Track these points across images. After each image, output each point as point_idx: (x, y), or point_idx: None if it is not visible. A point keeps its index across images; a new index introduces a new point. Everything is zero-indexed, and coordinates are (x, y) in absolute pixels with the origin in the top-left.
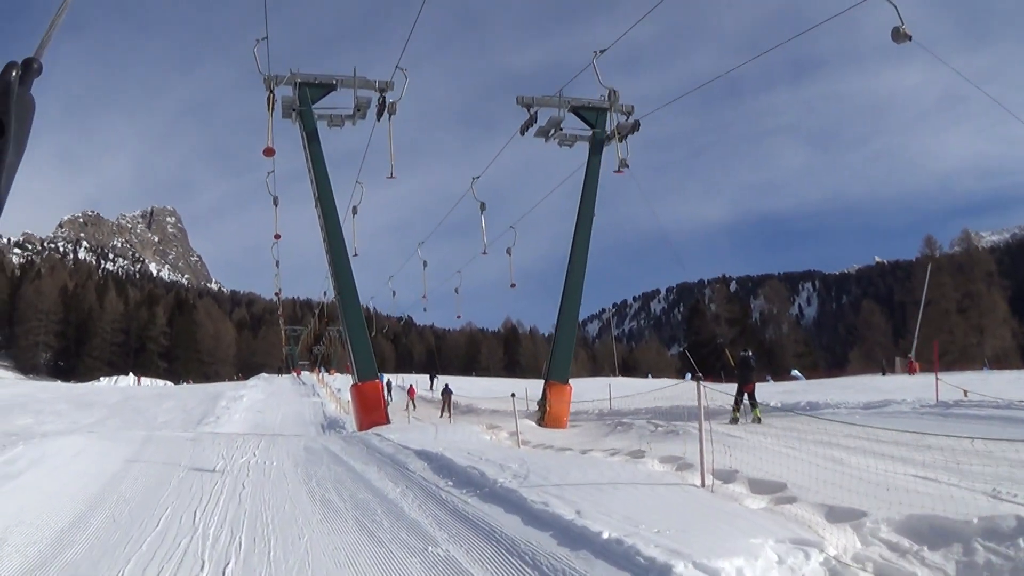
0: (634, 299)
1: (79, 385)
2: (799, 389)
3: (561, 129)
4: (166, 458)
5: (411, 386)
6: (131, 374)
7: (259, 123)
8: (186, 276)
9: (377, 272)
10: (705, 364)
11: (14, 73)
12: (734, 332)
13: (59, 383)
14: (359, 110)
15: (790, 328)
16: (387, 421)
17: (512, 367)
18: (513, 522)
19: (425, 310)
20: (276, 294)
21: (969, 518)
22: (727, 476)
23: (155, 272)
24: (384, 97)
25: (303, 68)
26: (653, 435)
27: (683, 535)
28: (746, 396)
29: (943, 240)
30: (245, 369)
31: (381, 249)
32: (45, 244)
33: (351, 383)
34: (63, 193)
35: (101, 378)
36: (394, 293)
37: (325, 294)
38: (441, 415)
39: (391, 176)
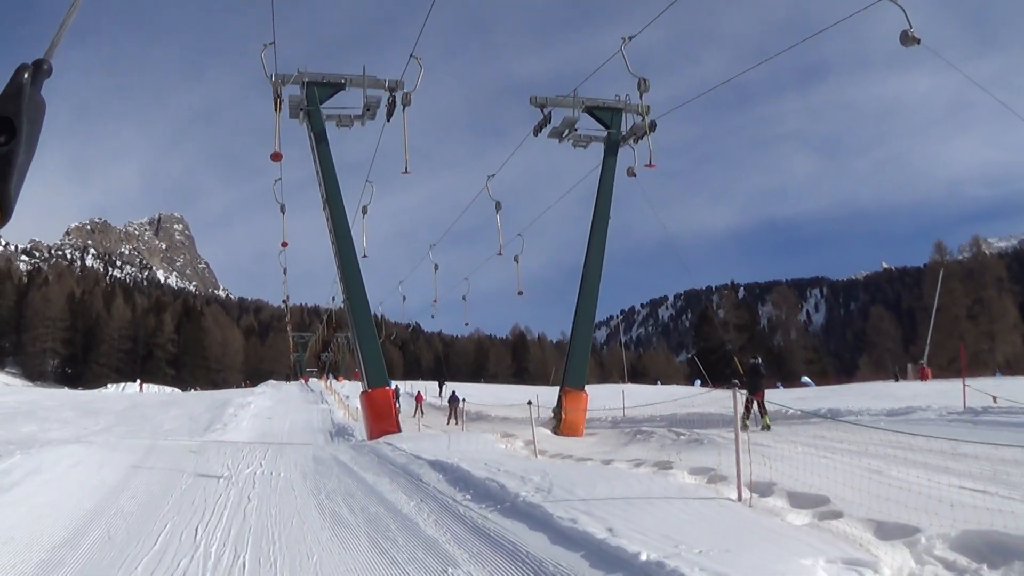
0: (642, 306)
1: (85, 392)
2: (812, 396)
3: (576, 130)
4: (168, 468)
5: (419, 393)
6: (137, 380)
7: (267, 130)
8: (194, 283)
9: (385, 279)
10: (714, 371)
11: (26, 75)
12: (743, 338)
13: (66, 390)
14: (368, 110)
15: (799, 334)
16: (398, 429)
17: (521, 374)
18: (539, 541)
19: (433, 317)
20: (284, 301)
21: None
22: (764, 489)
23: (163, 279)
24: (394, 96)
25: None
26: (676, 444)
27: (728, 556)
28: (755, 404)
29: (951, 246)
30: (253, 376)
31: (388, 256)
32: (52, 251)
33: (361, 390)
34: (70, 200)
35: (109, 385)
36: (404, 298)
37: (333, 299)
38: (448, 423)
39: (406, 171)
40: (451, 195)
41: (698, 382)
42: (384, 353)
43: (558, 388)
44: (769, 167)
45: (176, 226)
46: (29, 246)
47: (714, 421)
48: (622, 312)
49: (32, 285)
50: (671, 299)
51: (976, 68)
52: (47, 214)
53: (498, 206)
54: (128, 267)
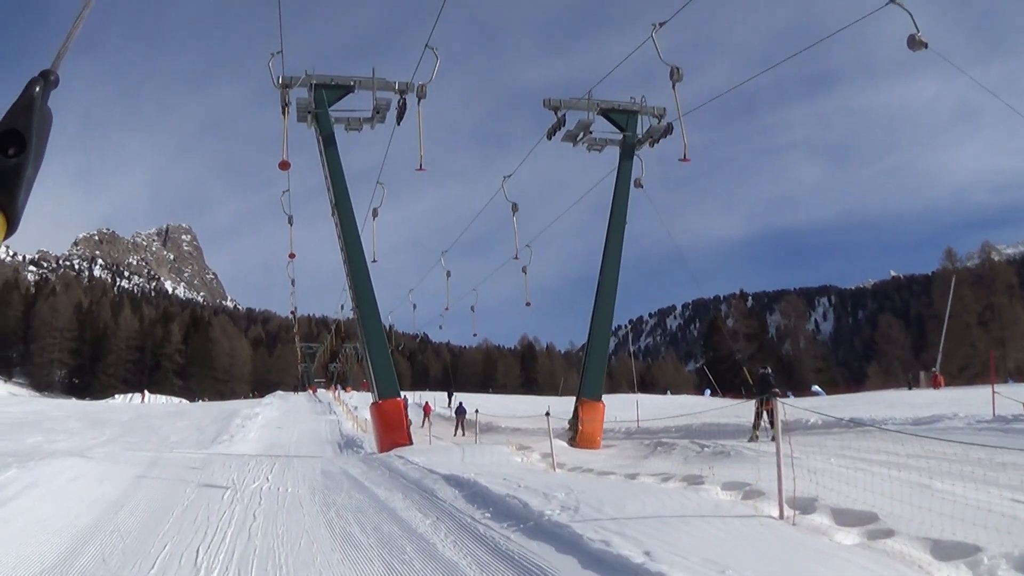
0: (650, 315)
1: (93, 402)
2: (825, 405)
3: (591, 132)
4: (171, 482)
5: (427, 403)
6: (145, 391)
7: (275, 140)
8: (202, 294)
9: (393, 289)
10: (724, 380)
11: (37, 88)
12: (752, 348)
13: (73, 400)
14: (378, 112)
15: (808, 343)
16: (409, 442)
17: (529, 384)
18: (569, 565)
19: (441, 328)
20: (292, 312)
21: None
22: (806, 505)
23: (170, 290)
24: (404, 99)
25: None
26: (700, 457)
27: None
28: (765, 414)
29: (960, 254)
30: (260, 387)
31: (396, 265)
32: (60, 262)
33: (371, 401)
34: (78, 211)
35: (116, 395)
36: (415, 306)
37: (342, 307)
38: (455, 433)
39: (420, 168)
40: (459, 204)
41: (708, 392)
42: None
43: (573, 398)
44: (776, 175)
45: (184, 237)
46: (37, 256)
47: (730, 432)
48: (630, 322)
49: (40, 295)
50: (679, 308)
51: (983, 74)
52: (55, 224)
53: (514, 208)
54: (136, 278)
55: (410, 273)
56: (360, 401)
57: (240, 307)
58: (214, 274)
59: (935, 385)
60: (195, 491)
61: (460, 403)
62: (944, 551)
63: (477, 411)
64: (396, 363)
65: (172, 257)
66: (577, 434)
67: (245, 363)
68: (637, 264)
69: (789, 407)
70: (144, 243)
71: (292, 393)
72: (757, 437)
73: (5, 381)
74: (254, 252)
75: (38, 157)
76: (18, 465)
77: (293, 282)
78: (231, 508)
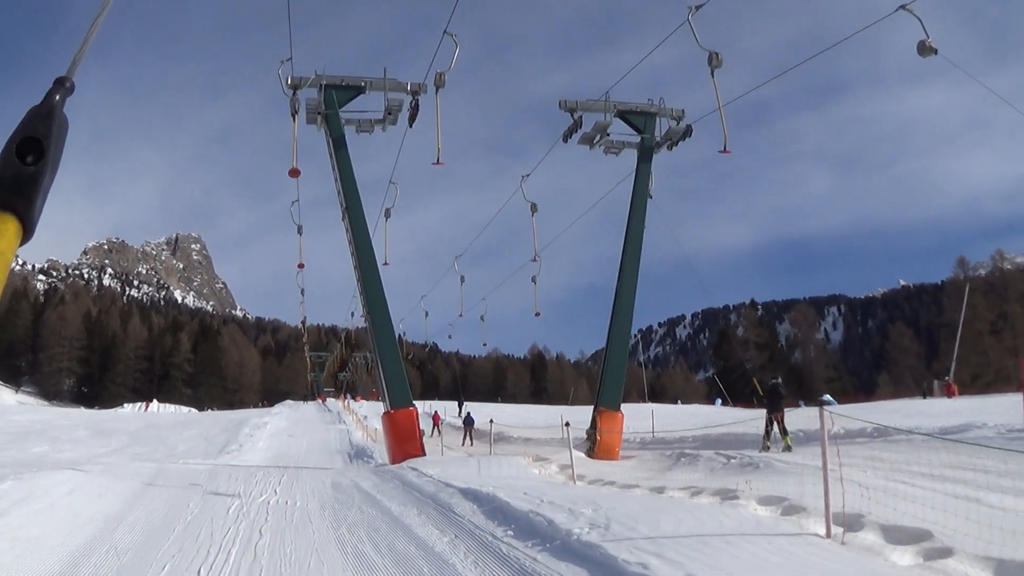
0: (659, 325)
1: (100, 412)
2: (845, 414)
3: (608, 135)
4: (174, 496)
5: (436, 413)
6: (153, 400)
7: (284, 150)
8: (211, 303)
9: (402, 298)
10: (734, 390)
11: (57, 97)
12: (763, 357)
13: (82, 409)
14: (390, 114)
15: (818, 352)
16: (423, 453)
17: (539, 394)
18: None
19: (450, 337)
20: (301, 322)
21: None
22: (852, 521)
23: (180, 299)
24: (416, 100)
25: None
26: (727, 469)
27: None
28: (776, 424)
29: (971, 262)
30: (270, 396)
31: (406, 274)
32: (70, 271)
33: (382, 411)
34: (88, 220)
35: (125, 404)
36: (427, 314)
37: (353, 315)
38: (463, 443)
39: (438, 162)
40: (469, 214)
41: (719, 401)
42: None
43: (583, 408)
44: (786, 184)
45: (193, 246)
46: (46, 265)
47: (749, 442)
48: (640, 331)
49: (48, 304)
50: (689, 318)
51: (993, 83)
52: (65, 233)
53: (533, 208)
54: (145, 287)
55: (420, 282)
56: (370, 410)
57: (249, 316)
58: (223, 283)
59: (949, 394)
60: (199, 505)
61: (468, 413)
62: (1010, 571)
63: (492, 421)
64: (406, 373)
65: (181, 266)
66: (595, 445)
67: (254, 372)
68: (646, 273)
69: (838, 416)
70: (153, 252)
71: (301, 402)
72: (768, 447)
73: (14, 390)
74: (263, 261)
75: (55, 165)
76: (13, 477)
77: (303, 292)
78: (236, 524)
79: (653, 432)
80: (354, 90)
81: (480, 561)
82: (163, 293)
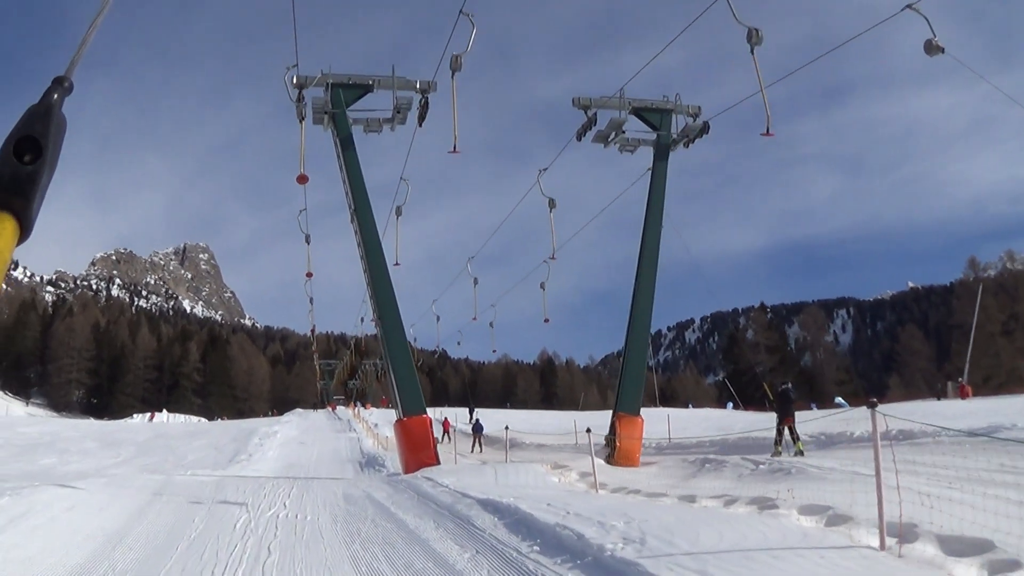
0: (668, 329)
1: (109, 423)
2: (854, 417)
3: (623, 132)
4: (179, 510)
5: (446, 419)
6: (162, 410)
7: (292, 158)
8: (220, 312)
9: (410, 305)
10: (745, 393)
11: (55, 96)
12: (774, 360)
13: (91, 420)
14: (399, 112)
15: (829, 355)
16: (437, 461)
17: (549, 399)
18: None
19: (459, 344)
20: (311, 331)
21: None
22: (905, 532)
23: (188, 309)
24: (426, 98)
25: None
26: (756, 475)
27: None
28: (787, 429)
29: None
30: (279, 405)
31: (413, 283)
32: (78, 282)
33: (395, 418)
34: (96, 231)
35: (134, 415)
36: (438, 318)
37: (362, 320)
38: (472, 450)
39: (454, 150)
40: (475, 219)
41: (730, 405)
42: None
43: (594, 413)
44: (793, 187)
45: (201, 255)
46: (55, 277)
47: (768, 446)
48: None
49: (57, 316)
50: (697, 322)
51: (998, 83)
52: (73, 245)
53: (551, 204)
54: (154, 297)
55: (427, 288)
56: (380, 418)
57: (258, 325)
58: (232, 293)
59: (962, 395)
60: (204, 520)
61: (477, 420)
62: None
63: (507, 428)
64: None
65: (190, 276)
66: (615, 451)
67: (264, 381)
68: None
69: (890, 418)
70: (162, 262)
71: (311, 411)
72: (780, 453)
73: (24, 402)
74: (272, 270)
75: (53, 164)
76: (11, 493)
77: (311, 300)
78: (243, 541)
79: (669, 437)
80: (362, 89)
81: None
82: (172, 303)
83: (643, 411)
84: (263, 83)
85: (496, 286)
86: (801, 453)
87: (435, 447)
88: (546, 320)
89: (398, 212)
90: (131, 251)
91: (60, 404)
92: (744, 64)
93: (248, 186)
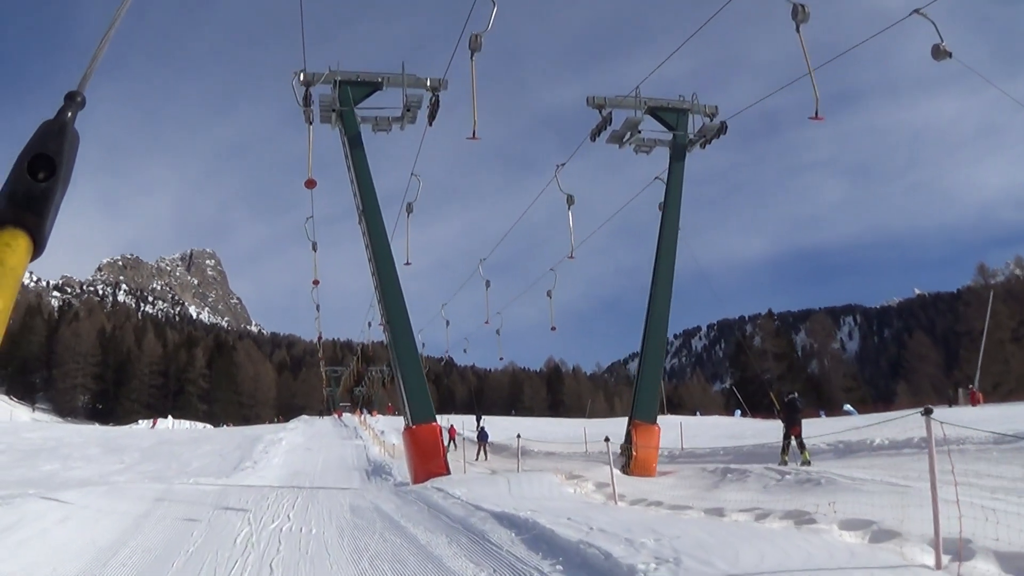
0: (675, 336)
1: (113, 428)
2: (872, 424)
3: (639, 132)
4: (177, 523)
5: (452, 427)
6: (158, 417)
7: (299, 164)
8: (226, 319)
9: (416, 312)
10: (753, 401)
11: (69, 113)
12: (781, 367)
13: (96, 426)
14: (409, 110)
15: (837, 362)
16: (447, 471)
17: (556, 406)
18: None
19: (466, 351)
20: (317, 339)
21: None
22: (956, 549)
23: (195, 315)
24: (437, 96)
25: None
26: (783, 485)
27: None
28: (793, 439)
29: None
30: (285, 411)
31: (419, 290)
32: (84, 287)
33: (402, 426)
34: (102, 236)
35: (140, 421)
36: (448, 323)
37: (369, 325)
38: (476, 458)
39: (473, 137)
40: (481, 226)
41: (738, 412)
42: None
43: (601, 420)
44: (800, 195)
45: (208, 262)
46: (61, 282)
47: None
48: None
49: (63, 321)
50: (704, 329)
51: (1006, 89)
52: (79, 250)
53: (570, 200)
54: (160, 303)
55: (433, 295)
56: (387, 425)
57: (265, 331)
58: (238, 299)
59: (973, 402)
60: (204, 533)
61: (482, 428)
62: None
63: (519, 436)
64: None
65: (196, 282)
66: (631, 460)
67: (270, 388)
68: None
69: (948, 425)
70: (168, 268)
71: (317, 417)
72: (786, 462)
73: (30, 407)
74: (278, 277)
75: (66, 181)
76: (1, 503)
77: (318, 307)
78: (244, 557)
79: (682, 446)
80: (370, 86)
81: None
82: (178, 309)
83: None
84: (270, 89)
85: (503, 294)
86: (808, 463)
87: (445, 456)
88: (553, 328)
89: (409, 209)
90: (137, 257)
91: (65, 409)
92: (748, 71)
93: (255, 192)
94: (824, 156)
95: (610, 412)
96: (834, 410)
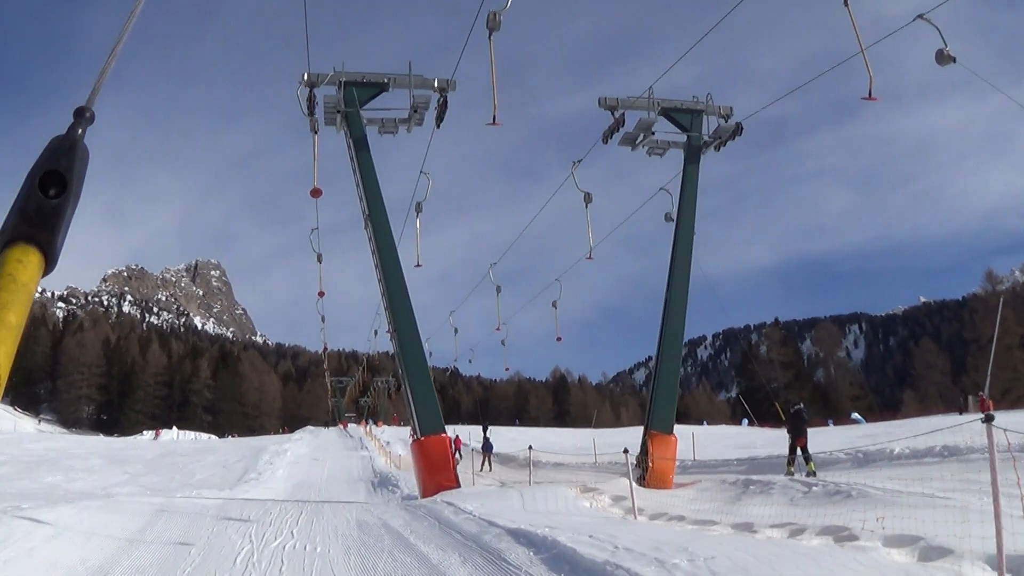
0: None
1: (117, 439)
2: (879, 432)
3: (653, 133)
4: (174, 540)
5: (457, 436)
6: (174, 427)
7: (304, 175)
8: (231, 329)
9: (421, 322)
10: (759, 410)
11: (80, 130)
12: (789, 376)
13: (100, 437)
14: (416, 112)
15: (843, 370)
16: (457, 484)
17: (561, 417)
18: None
19: (471, 361)
20: (323, 350)
21: None
22: (1018, 566)
23: (200, 325)
24: (445, 97)
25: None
26: (810, 497)
27: None
28: (799, 449)
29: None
30: (290, 422)
31: (422, 300)
32: (89, 298)
33: (409, 436)
34: (108, 247)
35: (144, 432)
36: (456, 330)
37: (376, 333)
38: (481, 469)
39: (493, 122)
40: (487, 239)
41: (745, 421)
42: None
43: (608, 431)
44: (804, 203)
45: (213, 272)
46: (66, 292)
47: (800, 465)
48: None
49: (67, 331)
50: (709, 338)
51: (1011, 95)
52: (84, 261)
53: (588, 198)
54: (165, 313)
55: (439, 307)
56: (392, 436)
57: (270, 342)
58: (243, 309)
59: (983, 409)
60: (202, 552)
61: (487, 438)
62: None
63: (531, 447)
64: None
65: (201, 293)
66: (647, 472)
67: (275, 398)
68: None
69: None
70: (173, 279)
71: (322, 428)
72: (792, 473)
73: (35, 418)
74: (284, 287)
75: (76, 197)
76: None
77: (323, 319)
78: None
79: (694, 456)
80: (376, 87)
81: None
82: (183, 320)
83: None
84: (276, 99)
85: (508, 304)
86: (813, 473)
87: (455, 468)
88: (558, 339)
89: (418, 209)
90: (143, 267)
91: (70, 420)
92: (751, 78)
93: (260, 202)
94: (829, 164)
95: (616, 422)
96: (841, 419)
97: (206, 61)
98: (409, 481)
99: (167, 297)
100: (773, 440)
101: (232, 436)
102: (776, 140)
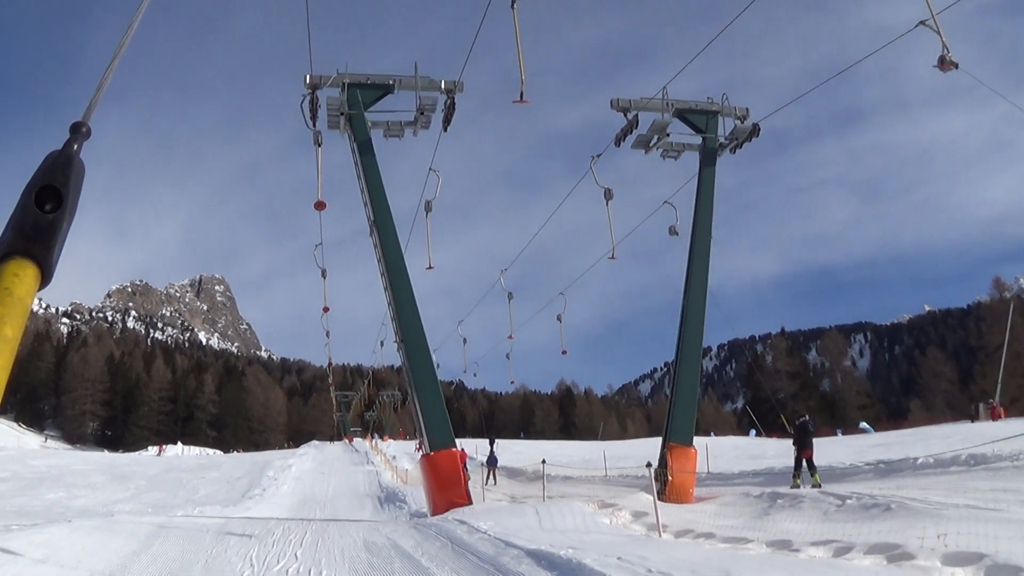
0: None
1: (121, 455)
2: (892, 442)
3: (667, 135)
4: (170, 564)
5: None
6: (179, 442)
7: (308, 189)
8: (236, 344)
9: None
10: (766, 420)
11: (76, 146)
12: (795, 386)
13: (105, 452)
14: (422, 114)
15: (850, 380)
16: (468, 500)
17: (567, 429)
18: None
19: (475, 375)
20: (327, 365)
21: None
22: None
23: (204, 340)
24: (452, 99)
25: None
26: (844, 511)
27: None
28: (805, 461)
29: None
30: (295, 437)
31: (427, 313)
32: (93, 314)
33: (415, 450)
34: (112, 263)
35: (149, 447)
36: (464, 340)
37: (382, 344)
38: (486, 483)
39: (521, 100)
40: (489, 249)
41: (753, 432)
42: None
43: (615, 443)
44: (808, 213)
45: (217, 287)
46: (70, 308)
47: (822, 476)
48: (666, 364)
49: (71, 347)
50: (714, 349)
51: (1012, 108)
52: (88, 276)
53: (608, 194)
54: (169, 329)
55: (444, 320)
56: (398, 450)
57: (275, 357)
58: (248, 324)
59: (993, 417)
60: None
61: (491, 452)
62: None
63: (544, 461)
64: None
65: (205, 308)
66: (666, 485)
67: (280, 413)
68: (670, 307)
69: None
70: (177, 294)
71: (328, 443)
72: (798, 485)
73: (41, 434)
74: (288, 302)
75: (72, 212)
76: None
77: (328, 334)
78: None
79: (708, 469)
80: (381, 89)
81: None
82: (187, 335)
83: (659, 440)
84: (279, 112)
85: (515, 316)
86: (818, 485)
87: (466, 484)
88: (563, 352)
89: (427, 208)
90: (147, 283)
91: (74, 436)
92: (754, 92)
93: (264, 217)
94: (833, 173)
95: (623, 434)
96: (850, 428)
97: (209, 74)
98: (417, 496)
99: (171, 312)
100: (783, 451)
101: (237, 451)
102: (780, 150)
